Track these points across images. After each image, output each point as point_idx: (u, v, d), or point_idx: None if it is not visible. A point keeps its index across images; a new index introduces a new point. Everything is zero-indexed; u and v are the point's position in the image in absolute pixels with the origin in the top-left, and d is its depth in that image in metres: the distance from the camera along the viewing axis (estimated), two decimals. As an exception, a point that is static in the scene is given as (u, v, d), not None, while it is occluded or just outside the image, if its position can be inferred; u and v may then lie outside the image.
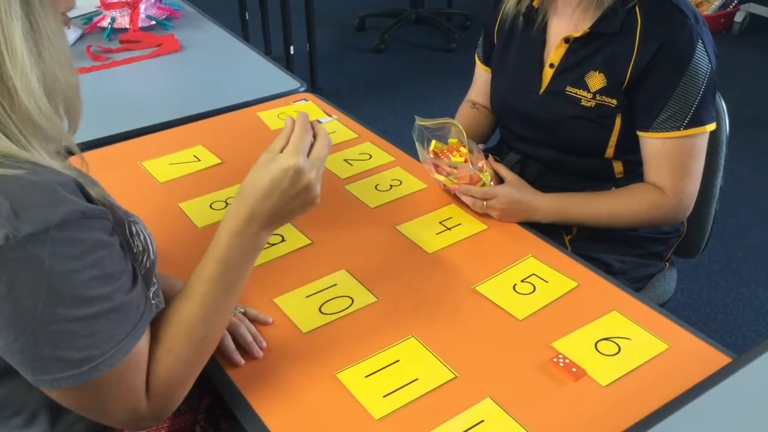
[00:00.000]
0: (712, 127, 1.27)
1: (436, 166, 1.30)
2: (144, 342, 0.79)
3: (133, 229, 0.86)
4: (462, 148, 1.31)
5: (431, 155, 1.31)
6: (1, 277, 0.68)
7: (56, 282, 0.69)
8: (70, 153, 0.84)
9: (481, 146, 1.35)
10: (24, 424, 0.84)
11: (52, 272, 0.69)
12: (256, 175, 0.87)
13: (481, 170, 1.27)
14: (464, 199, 1.28)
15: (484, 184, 1.26)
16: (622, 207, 1.31)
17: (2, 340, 0.72)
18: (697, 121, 1.25)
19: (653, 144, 1.28)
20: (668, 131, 1.26)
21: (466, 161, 1.28)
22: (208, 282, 0.85)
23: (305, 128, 0.90)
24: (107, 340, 0.74)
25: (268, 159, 0.88)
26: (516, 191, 1.26)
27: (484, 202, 1.25)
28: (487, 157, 1.32)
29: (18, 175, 0.69)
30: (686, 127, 1.25)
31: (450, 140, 1.35)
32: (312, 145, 0.91)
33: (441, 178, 1.29)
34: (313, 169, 0.89)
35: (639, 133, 1.30)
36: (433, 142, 1.34)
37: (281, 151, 0.89)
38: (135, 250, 0.85)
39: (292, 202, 0.88)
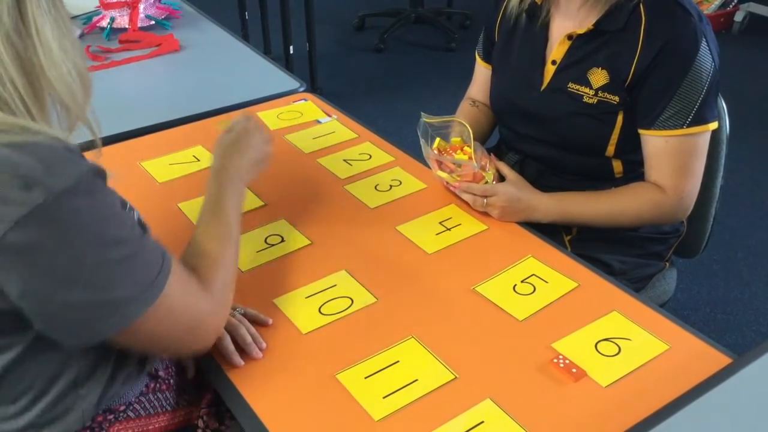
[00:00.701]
0: (714, 125, 1.27)
1: (440, 163, 1.30)
2: (177, 263, 0.87)
3: (127, 204, 0.92)
4: (466, 147, 1.30)
5: (435, 152, 1.31)
6: (48, 233, 0.72)
7: (96, 228, 0.76)
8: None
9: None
10: (68, 390, 0.86)
11: (91, 220, 0.75)
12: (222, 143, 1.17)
13: (484, 168, 1.27)
14: (464, 197, 1.28)
15: (486, 183, 1.26)
16: (622, 206, 1.31)
17: (61, 297, 0.75)
18: (700, 120, 1.25)
19: (655, 142, 1.28)
20: (671, 129, 1.25)
21: (470, 159, 1.27)
22: (209, 214, 1.03)
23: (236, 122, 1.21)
24: (149, 271, 0.81)
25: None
26: (517, 190, 1.26)
27: (485, 200, 1.24)
28: (490, 155, 1.32)
29: (38, 142, 0.74)
30: (689, 126, 1.25)
31: (453, 139, 1.35)
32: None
33: (443, 175, 1.29)
34: (260, 130, 1.21)
35: (641, 131, 1.29)
36: (437, 139, 1.34)
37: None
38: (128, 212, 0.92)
39: (250, 154, 1.16)
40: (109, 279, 0.77)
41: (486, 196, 1.24)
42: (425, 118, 1.33)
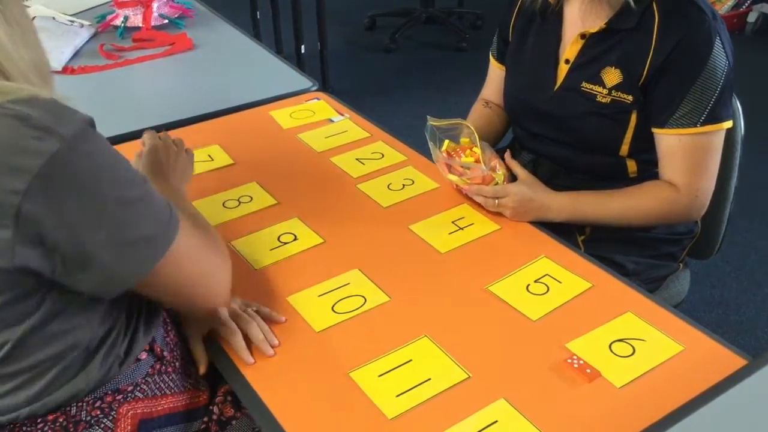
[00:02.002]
0: (728, 124, 1.26)
1: (449, 166, 1.30)
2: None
3: None
4: (474, 149, 1.30)
5: (444, 155, 1.31)
6: (69, 178, 0.75)
7: (110, 169, 0.79)
8: None
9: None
10: (68, 367, 0.87)
11: (104, 161, 0.79)
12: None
13: (494, 170, 1.26)
14: (476, 198, 1.28)
15: (497, 184, 1.25)
16: (635, 205, 1.30)
17: (90, 244, 0.78)
18: (714, 118, 1.24)
19: (669, 141, 1.27)
20: (684, 128, 1.25)
21: (477, 161, 1.27)
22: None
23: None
24: (163, 209, 0.85)
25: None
26: (529, 189, 1.26)
27: (496, 201, 1.24)
28: (502, 155, 1.31)
29: (39, 94, 0.77)
30: (703, 124, 1.24)
31: (462, 140, 1.35)
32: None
33: (454, 178, 1.29)
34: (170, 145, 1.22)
35: (654, 130, 1.29)
36: (446, 141, 1.33)
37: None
38: None
39: (175, 165, 1.20)
40: (132, 216, 0.81)
41: (498, 197, 1.24)
42: (432, 121, 1.33)
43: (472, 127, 1.30)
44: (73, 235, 0.77)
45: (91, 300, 0.86)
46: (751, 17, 4.18)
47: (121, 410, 0.92)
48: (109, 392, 0.91)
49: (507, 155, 1.31)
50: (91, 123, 0.79)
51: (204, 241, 0.94)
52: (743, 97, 1.43)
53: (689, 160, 1.27)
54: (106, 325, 0.89)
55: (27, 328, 0.82)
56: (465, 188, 1.28)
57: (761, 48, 4.03)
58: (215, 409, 1.01)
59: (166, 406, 0.97)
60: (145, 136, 1.24)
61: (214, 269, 0.96)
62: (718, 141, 1.28)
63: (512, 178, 1.30)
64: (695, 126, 1.24)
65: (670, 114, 1.25)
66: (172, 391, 0.99)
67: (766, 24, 4.20)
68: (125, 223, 0.80)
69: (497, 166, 1.27)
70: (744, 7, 4.18)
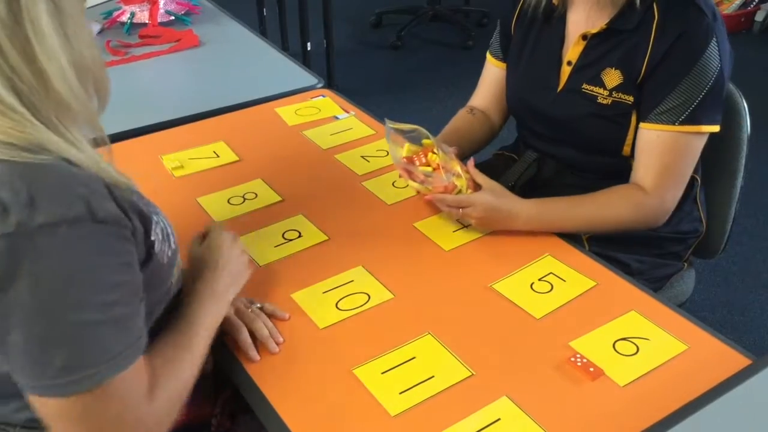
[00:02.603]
0: (708, 128, 1.24)
1: (410, 173, 1.24)
2: (141, 361, 0.78)
3: (154, 219, 0.87)
4: (432, 155, 1.23)
5: (404, 161, 1.25)
6: (8, 264, 0.67)
7: (58, 280, 0.69)
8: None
9: (453, 149, 1.26)
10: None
11: (60, 270, 0.68)
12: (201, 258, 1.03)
13: (457, 176, 1.21)
14: (440, 207, 1.24)
15: (459, 191, 1.20)
16: (604, 211, 1.26)
17: (3, 334, 0.71)
18: (693, 120, 1.23)
19: (648, 136, 1.26)
20: (663, 124, 1.24)
21: (436, 169, 1.22)
22: (181, 322, 0.92)
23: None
24: (108, 351, 0.73)
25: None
26: (494, 198, 1.20)
27: (459, 210, 1.20)
28: (465, 162, 1.25)
29: (45, 165, 0.69)
30: (681, 123, 1.23)
31: (424, 141, 1.28)
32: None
33: (415, 185, 1.24)
34: (238, 244, 1.07)
35: (639, 124, 1.28)
36: (406, 145, 1.27)
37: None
38: (153, 238, 0.85)
39: (235, 266, 1.04)
40: (60, 338, 0.70)
41: (461, 207, 1.19)
42: (390, 124, 1.27)
43: (429, 135, 1.24)
44: None
45: None
46: (759, 16, 4.15)
47: None
48: None
49: (470, 162, 1.25)
50: (76, 220, 0.69)
51: (143, 395, 0.79)
52: (750, 97, 1.42)
53: (663, 159, 1.25)
54: None
55: None
56: (427, 197, 1.24)
57: (769, 47, 4.01)
58: (214, 421, 1.01)
59: (179, 419, 0.97)
60: (215, 227, 1.09)
61: (131, 421, 0.78)
62: (695, 146, 1.26)
63: (478, 185, 1.23)
64: (673, 124, 1.23)
65: (653, 107, 1.24)
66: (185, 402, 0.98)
67: (774, 23, 4.18)
68: (48, 339, 0.69)
69: (460, 172, 1.21)
70: (752, 6, 4.16)
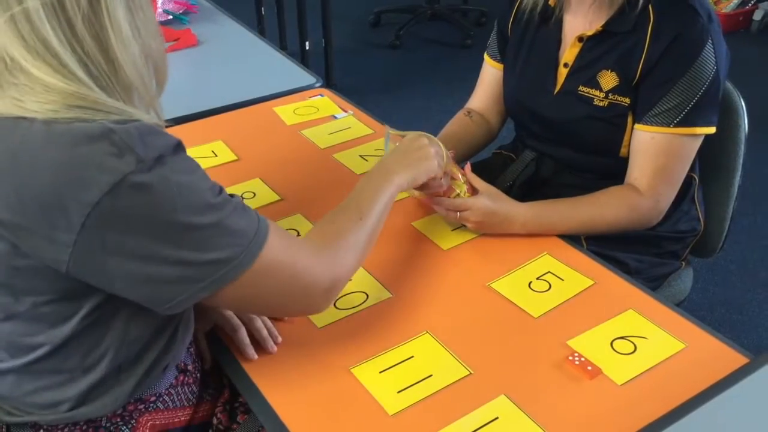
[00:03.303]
0: (703, 130, 1.25)
1: None
2: (279, 227, 0.88)
3: None
4: None
5: None
6: (140, 198, 0.74)
7: (185, 195, 0.77)
8: None
9: (450, 153, 1.25)
10: (100, 381, 0.87)
11: (179, 187, 0.76)
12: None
13: (455, 179, 1.21)
14: (437, 209, 1.24)
15: (458, 195, 1.20)
16: (601, 213, 1.26)
17: (155, 263, 0.77)
18: (688, 122, 1.23)
19: (642, 137, 1.26)
20: (658, 126, 1.24)
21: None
22: (375, 197, 1.04)
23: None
24: (245, 232, 0.82)
25: None
26: (491, 202, 1.20)
27: (457, 214, 1.20)
28: (463, 166, 1.25)
29: (132, 120, 0.77)
30: (676, 125, 1.23)
31: None
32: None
33: (413, 192, 1.24)
34: (430, 142, 1.17)
35: (635, 126, 1.28)
36: None
37: None
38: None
39: (413, 153, 1.13)
40: (200, 241, 0.78)
41: (459, 210, 1.20)
42: (391, 131, 1.28)
43: (432, 137, 1.23)
44: (138, 251, 0.76)
45: (136, 314, 0.85)
46: (757, 15, 4.16)
47: (141, 420, 0.93)
48: (132, 401, 0.92)
49: (467, 167, 1.25)
50: (176, 146, 0.79)
51: (300, 245, 0.90)
52: (747, 96, 1.42)
53: (658, 161, 1.25)
54: (142, 341, 0.88)
55: (67, 332, 0.82)
56: (425, 199, 1.24)
57: (766, 46, 4.01)
58: (214, 420, 1.02)
59: (183, 418, 0.98)
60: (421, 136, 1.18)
61: (306, 277, 0.89)
62: (690, 148, 1.26)
63: (475, 189, 1.23)
64: (668, 126, 1.23)
65: (648, 109, 1.24)
66: (191, 402, 0.99)
67: (772, 22, 4.18)
68: (191, 247, 0.78)
69: (459, 175, 1.21)
70: (750, 5, 4.16)
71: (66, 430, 0.89)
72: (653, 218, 1.30)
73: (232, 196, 0.85)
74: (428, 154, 1.14)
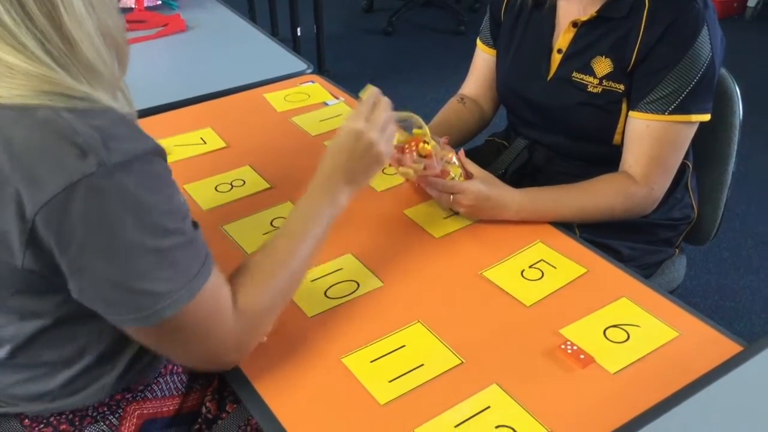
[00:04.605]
0: (699, 118, 1.24)
1: (399, 161, 1.21)
2: (216, 275, 0.82)
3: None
4: (426, 139, 1.21)
5: (394, 150, 1.20)
6: (93, 205, 0.71)
7: (141, 211, 0.73)
8: None
9: (444, 140, 1.25)
10: (81, 372, 0.86)
11: (138, 202, 0.73)
12: (332, 142, 1.01)
13: (450, 163, 1.19)
14: (430, 191, 1.22)
15: (452, 179, 1.19)
16: (594, 200, 1.25)
17: (91, 276, 0.74)
18: (683, 109, 1.22)
19: (637, 125, 1.25)
20: (653, 113, 1.23)
21: (429, 156, 1.19)
22: (306, 220, 0.95)
23: (369, 99, 1.05)
24: (185, 271, 0.77)
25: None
26: (485, 187, 1.18)
27: (450, 197, 1.19)
28: (457, 152, 1.24)
29: (103, 110, 0.73)
30: (671, 113, 1.22)
31: (415, 131, 1.24)
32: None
33: (405, 170, 1.20)
34: (372, 130, 1.01)
35: (629, 113, 1.27)
36: (396, 135, 1.20)
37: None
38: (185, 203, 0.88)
39: (359, 161, 1.00)
40: (145, 267, 0.74)
41: (452, 193, 1.18)
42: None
43: (422, 121, 1.22)
44: (78, 257, 0.73)
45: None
46: (751, 2, 4.15)
47: (128, 409, 0.92)
48: (120, 390, 0.91)
49: (461, 153, 1.24)
50: (153, 155, 0.75)
51: (229, 306, 0.83)
52: (742, 82, 1.41)
53: (653, 149, 1.24)
54: (120, 332, 0.85)
55: (39, 326, 0.81)
56: (418, 179, 1.22)
57: (761, 33, 4.00)
58: (203, 409, 1.01)
59: (171, 408, 0.97)
60: (365, 101, 1.06)
61: (221, 343, 0.84)
62: (685, 135, 1.25)
63: (469, 174, 1.22)
64: (663, 114, 1.22)
65: (643, 96, 1.23)
66: (180, 392, 0.98)
67: (766, 9, 4.17)
68: (135, 271, 0.74)
69: (453, 160, 1.20)
70: (744, -9, 4.15)
71: (52, 419, 0.88)
72: (648, 206, 1.30)
73: (195, 225, 0.81)
74: (378, 156, 1.02)
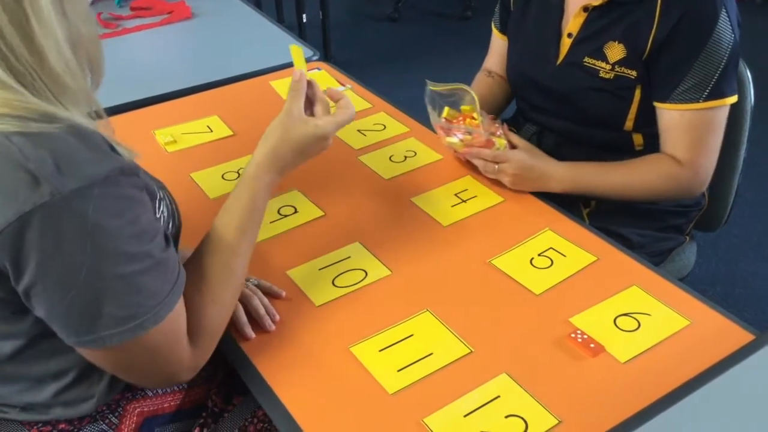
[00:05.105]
0: (732, 99, 1.23)
1: (448, 130, 1.27)
2: (181, 301, 0.80)
3: (158, 194, 0.87)
4: (474, 115, 1.27)
5: (444, 120, 1.28)
6: (47, 234, 0.68)
7: (100, 238, 0.70)
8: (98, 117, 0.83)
9: (491, 117, 1.31)
10: (70, 384, 0.85)
11: (96, 228, 0.69)
12: (294, 135, 0.95)
13: (495, 135, 1.24)
14: (475, 162, 1.25)
15: (498, 149, 1.23)
16: (638, 178, 1.27)
17: (48, 302, 0.72)
18: (718, 93, 1.21)
19: (671, 116, 1.24)
20: (687, 103, 1.22)
21: (477, 128, 1.24)
22: (238, 230, 0.89)
23: (350, 111, 1.02)
24: (151, 296, 0.75)
25: (302, 121, 0.97)
26: (530, 157, 1.23)
27: (496, 166, 1.21)
28: (502, 124, 1.29)
29: (59, 133, 0.69)
30: (706, 99, 1.21)
31: (462, 107, 1.31)
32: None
33: (453, 141, 1.26)
34: (331, 138, 1.00)
35: (656, 104, 1.26)
36: (446, 108, 1.30)
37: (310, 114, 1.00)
38: (159, 215, 0.85)
39: (308, 158, 1.00)
40: (107, 292, 0.72)
41: (497, 162, 1.21)
42: (431, 86, 1.29)
43: (473, 93, 1.27)
44: (36, 285, 0.71)
45: None
46: (762, -15, 4.09)
47: (128, 407, 0.92)
48: (118, 392, 0.90)
49: (504, 127, 1.28)
50: (116, 175, 0.71)
51: (183, 337, 0.82)
52: (753, 68, 1.39)
53: (691, 136, 1.24)
54: None
55: (17, 345, 0.80)
56: (464, 151, 1.25)
57: (771, 16, 3.96)
58: (209, 402, 1.00)
59: (173, 404, 0.97)
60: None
61: (178, 367, 0.83)
62: (722, 117, 1.25)
63: (514, 146, 1.26)
64: (698, 101, 1.21)
65: (673, 88, 1.22)
66: (181, 387, 0.98)
67: (778, -8, 4.12)
68: (95, 297, 0.71)
69: (498, 132, 1.25)
70: (755, -26, 4.09)
71: (51, 419, 0.88)
72: (695, 188, 1.30)
73: (167, 241, 0.79)
74: (324, 148, 1.00)
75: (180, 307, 0.80)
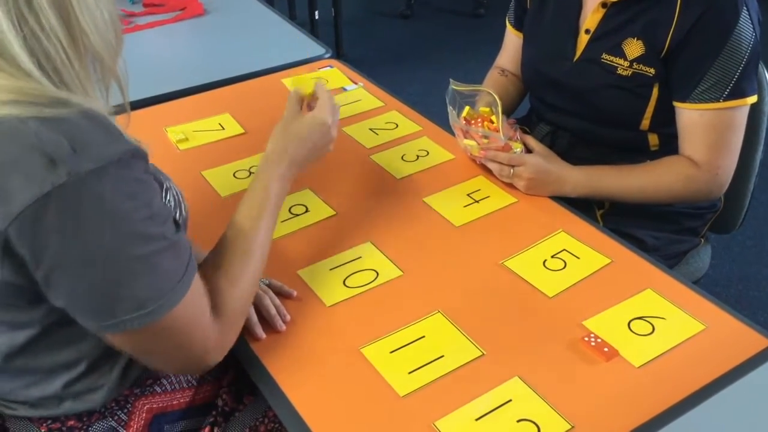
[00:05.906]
0: (753, 99, 1.22)
1: (466, 132, 1.26)
2: (198, 280, 0.81)
3: (165, 185, 0.87)
4: (493, 118, 1.26)
5: (462, 122, 1.27)
6: (66, 215, 0.68)
7: (118, 219, 0.71)
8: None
9: (511, 120, 1.31)
10: (81, 375, 0.85)
11: (114, 208, 0.71)
12: (293, 127, 1.04)
13: (512, 139, 1.23)
14: (490, 165, 1.24)
15: (514, 153, 1.22)
16: (655, 181, 1.26)
17: (68, 287, 0.72)
18: (738, 93, 1.19)
19: (690, 115, 1.23)
20: (707, 102, 1.20)
21: (496, 131, 1.24)
22: (253, 219, 0.93)
23: (327, 91, 1.10)
24: (167, 278, 0.76)
25: (300, 115, 1.06)
26: (545, 161, 1.22)
27: (511, 170, 1.21)
28: (518, 128, 1.28)
29: (72, 116, 0.70)
30: (726, 99, 1.19)
31: (481, 109, 1.31)
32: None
33: (470, 143, 1.25)
34: (335, 126, 1.08)
35: (675, 104, 1.25)
36: (466, 108, 1.29)
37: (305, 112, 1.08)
38: (166, 204, 0.86)
39: (318, 151, 1.06)
40: (127, 274, 0.73)
41: (513, 166, 1.21)
42: (454, 86, 1.29)
43: (495, 95, 1.26)
44: (56, 268, 0.71)
45: None
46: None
47: (137, 404, 0.92)
48: (127, 387, 0.90)
49: (520, 131, 1.27)
50: (129, 157, 0.72)
51: (208, 313, 0.83)
52: (770, 67, 1.37)
53: (711, 136, 1.22)
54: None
55: (30, 335, 0.80)
56: (480, 154, 1.25)
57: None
58: (219, 401, 1.00)
59: (182, 401, 0.96)
60: (323, 96, 1.09)
61: (202, 347, 0.83)
62: (742, 117, 1.23)
63: (528, 152, 1.26)
64: (718, 101, 1.20)
65: (693, 88, 1.21)
66: (190, 384, 0.98)
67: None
68: (115, 279, 0.72)
69: (516, 136, 1.24)
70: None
71: (61, 415, 0.88)
72: (715, 190, 1.29)
73: (177, 225, 0.79)
74: (331, 139, 1.08)
75: (196, 286, 0.80)
